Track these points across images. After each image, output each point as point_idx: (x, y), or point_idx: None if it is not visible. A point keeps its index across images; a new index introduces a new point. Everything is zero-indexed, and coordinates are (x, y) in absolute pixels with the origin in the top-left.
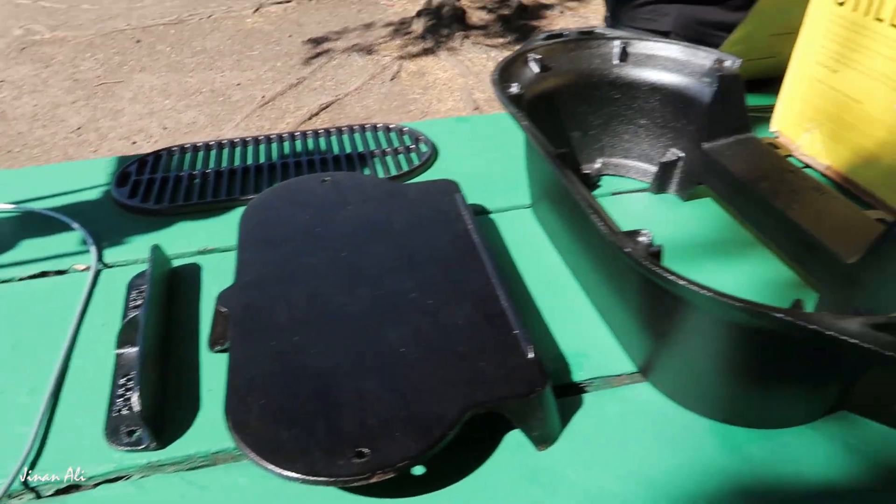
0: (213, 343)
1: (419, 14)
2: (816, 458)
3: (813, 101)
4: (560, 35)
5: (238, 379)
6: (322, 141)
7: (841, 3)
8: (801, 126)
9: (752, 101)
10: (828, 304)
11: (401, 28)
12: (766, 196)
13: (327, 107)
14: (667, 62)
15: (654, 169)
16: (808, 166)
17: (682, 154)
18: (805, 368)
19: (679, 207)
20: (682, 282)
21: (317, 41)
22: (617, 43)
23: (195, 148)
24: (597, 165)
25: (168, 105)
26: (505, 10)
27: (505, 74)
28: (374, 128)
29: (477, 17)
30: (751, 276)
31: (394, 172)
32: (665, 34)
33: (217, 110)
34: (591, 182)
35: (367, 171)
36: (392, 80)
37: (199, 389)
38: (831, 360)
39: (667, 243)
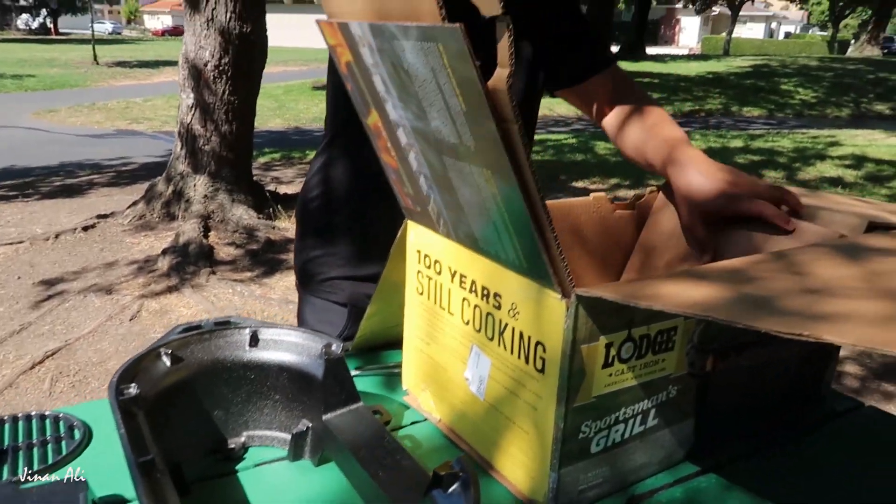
0: None
1: (164, 252)
2: None
3: (421, 367)
4: (198, 327)
5: None
6: None
7: (421, 293)
8: (418, 386)
9: (399, 358)
10: None
11: (145, 266)
12: (362, 463)
13: (54, 353)
14: (290, 346)
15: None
16: (426, 419)
17: (310, 424)
18: None
19: (310, 473)
20: None
21: (50, 282)
22: (247, 331)
23: None
24: (242, 439)
25: None
26: (253, 245)
27: (131, 372)
28: (28, 417)
29: (225, 252)
30: None
31: (37, 466)
32: (343, 305)
33: None
34: (237, 455)
35: (5, 471)
36: (132, 320)
37: None
38: None
39: None
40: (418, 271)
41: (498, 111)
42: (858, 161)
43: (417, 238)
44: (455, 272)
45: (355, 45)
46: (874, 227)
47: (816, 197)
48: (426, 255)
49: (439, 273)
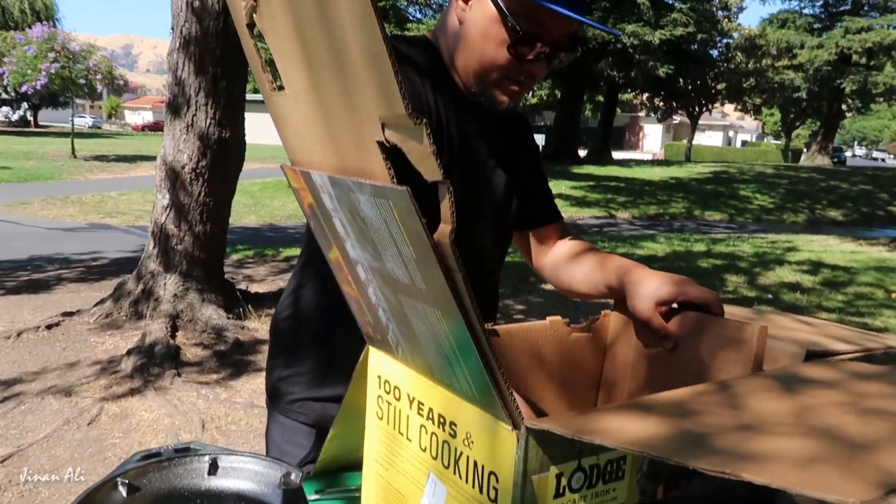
0: None
1: (129, 352)
2: None
3: (380, 493)
4: (158, 454)
5: None
6: None
7: (381, 418)
8: None
9: (359, 481)
10: None
11: (108, 367)
12: None
13: (4, 460)
14: (249, 474)
15: None
16: None
17: None
18: None
19: None
20: None
21: (7, 383)
22: (206, 458)
23: None
24: None
25: None
26: (221, 346)
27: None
28: None
29: (192, 353)
30: None
31: None
32: (311, 426)
33: None
34: None
35: None
36: (90, 424)
37: None
38: None
39: None
40: (378, 396)
41: (443, 261)
42: (815, 266)
43: (378, 363)
44: (413, 399)
45: (316, 190)
46: (812, 354)
47: (763, 320)
48: (386, 381)
49: (398, 399)
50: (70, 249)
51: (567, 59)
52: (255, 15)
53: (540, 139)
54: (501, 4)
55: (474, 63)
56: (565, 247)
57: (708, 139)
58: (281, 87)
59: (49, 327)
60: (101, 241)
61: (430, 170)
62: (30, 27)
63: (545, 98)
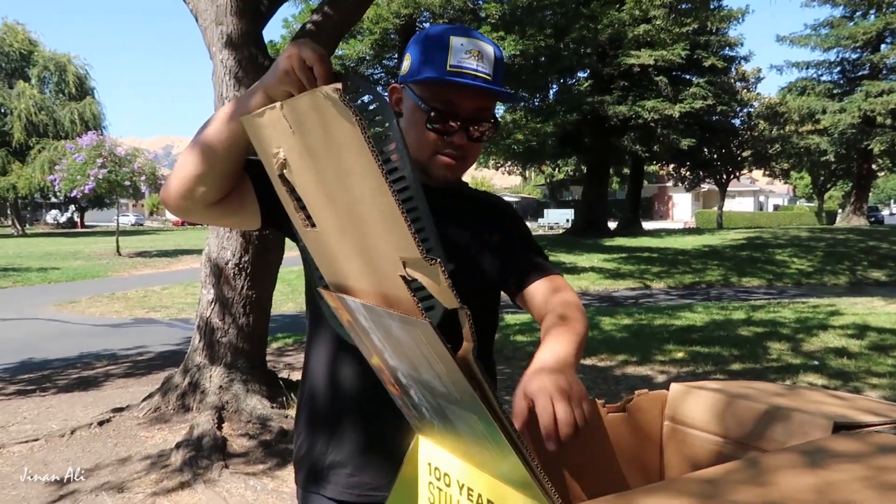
0: None
1: (178, 445)
2: None
3: None
4: None
5: None
6: None
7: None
8: None
9: None
10: None
11: (158, 461)
12: None
13: None
14: None
15: None
16: None
17: None
18: None
19: None
20: None
21: (62, 482)
22: None
23: None
24: None
25: None
26: (266, 436)
27: None
28: None
29: (238, 444)
30: None
31: None
32: None
33: None
34: None
35: None
36: None
37: None
38: None
39: None
40: (430, 482)
41: (468, 372)
42: (861, 330)
43: (428, 452)
44: (463, 485)
45: (352, 311)
46: (840, 426)
47: (793, 394)
48: (436, 468)
49: (448, 485)
50: (117, 345)
51: (486, 129)
52: (285, 170)
53: (569, 214)
54: (416, 94)
55: (413, 151)
56: (548, 304)
57: (739, 205)
58: (313, 225)
59: (101, 424)
60: (147, 335)
61: (448, 300)
62: (79, 136)
63: (571, 173)
